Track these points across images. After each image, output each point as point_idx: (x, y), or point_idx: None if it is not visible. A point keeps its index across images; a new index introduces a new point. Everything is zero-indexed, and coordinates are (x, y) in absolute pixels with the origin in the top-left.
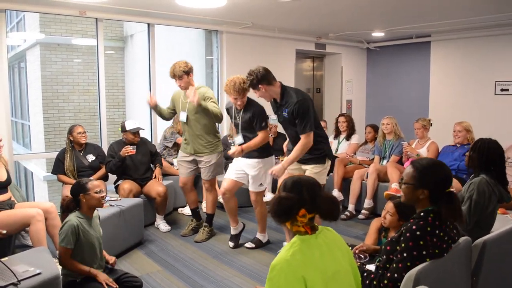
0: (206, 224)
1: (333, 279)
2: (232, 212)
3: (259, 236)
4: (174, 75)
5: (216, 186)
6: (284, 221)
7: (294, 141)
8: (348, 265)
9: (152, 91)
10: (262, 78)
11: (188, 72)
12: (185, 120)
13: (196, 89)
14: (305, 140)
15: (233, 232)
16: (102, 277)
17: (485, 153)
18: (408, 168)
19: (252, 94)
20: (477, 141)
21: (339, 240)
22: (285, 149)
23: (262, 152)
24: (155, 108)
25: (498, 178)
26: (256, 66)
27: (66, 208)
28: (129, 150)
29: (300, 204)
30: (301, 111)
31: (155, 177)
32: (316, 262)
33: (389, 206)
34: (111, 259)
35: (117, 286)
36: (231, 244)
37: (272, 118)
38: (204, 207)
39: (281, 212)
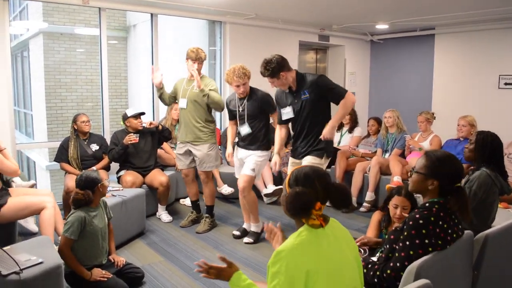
0: (207, 215)
1: (338, 270)
2: (253, 207)
3: (253, 228)
4: (199, 58)
5: (218, 177)
6: (302, 217)
7: (309, 127)
8: (352, 257)
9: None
10: (283, 65)
11: (204, 59)
12: (184, 107)
13: (205, 77)
14: (347, 99)
15: (253, 228)
16: (95, 274)
17: (487, 146)
18: (421, 157)
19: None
20: (478, 134)
21: (345, 231)
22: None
23: (265, 143)
24: (159, 87)
25: (498, 170)
26: (271, 55)
27: (78, 203)
28: (132, 138)
29: (316, 198)
30: (326, 82)
31: (159, 166)
32: (322, 253)
33: (402, 201)
34: (119, 260)
35: (111, 276)
36: (250, 240)
37: (284, 112)
38: (187, 203)
39: (299, 207)
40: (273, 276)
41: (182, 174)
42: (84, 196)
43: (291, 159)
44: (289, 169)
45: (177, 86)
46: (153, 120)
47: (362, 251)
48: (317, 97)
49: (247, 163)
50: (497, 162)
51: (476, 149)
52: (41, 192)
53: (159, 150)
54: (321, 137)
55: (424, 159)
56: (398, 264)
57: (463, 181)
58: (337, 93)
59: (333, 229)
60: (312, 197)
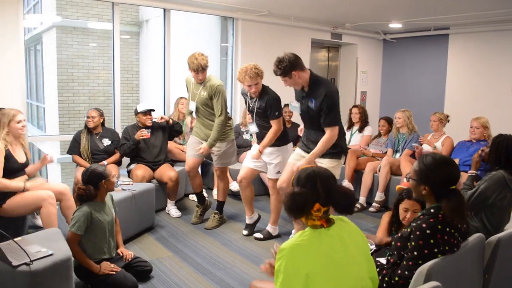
0: (216, 211)
1: (340, 271)
2: (248, 201)
3: (269, 228)
4: (200, 67)
5: (228, 174)
6: (299, 217)
7: (310, 134)
8: (361, 257)
9: (166, 77)
10: (296, 64)
11: (207, 66)
12: (194, 110)
13: (207, 81)
14: (330, 134)
15: (248, 221)
16: (104, 267)
17: (503, 150)
18: (415, 163)
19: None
20: (497, 136)
21: (355, 231)
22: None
23: (279, 140)
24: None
25: None
26: (283, 53)
27: (80, 198)
28: (144, 133)
29: (314, 199)
30: (329, 104)
31: (169, 161)
32: (322, 253)
33: (412, 204)
34: (128, 254)
35: (119, 270)
36: (245, 232)
37: (293, 105)
38: (215, 194)
39: (295, 208)
40: (276, 273)
41: (186, 167)
42: (85, 192)
43: (298, 149)
44: (292, 157)
45: (188, 83)
46: (164, 114)
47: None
48: (319, 111)
49: (269, 167)
50: None
51: (491, 152)
52: (56, 186)
53: (170, 145)
54: (294, 168)
55: (415, 165)
56: (406, 273)
57: (479, 182)
58: (330, 120)
59: (339, 229)
60: (309, 198)
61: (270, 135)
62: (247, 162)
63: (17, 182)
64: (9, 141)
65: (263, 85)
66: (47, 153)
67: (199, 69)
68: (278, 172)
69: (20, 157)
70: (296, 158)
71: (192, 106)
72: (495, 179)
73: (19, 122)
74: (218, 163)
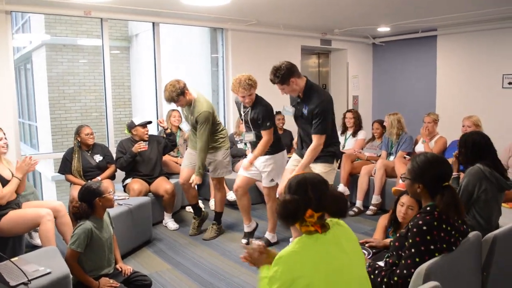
0: (214, 222)
1: (339, 276)
2: (245, 209)
3: (268, 236)
4: (171, 100)
5: (225, 185)
6: (292, 224)
7: (305, 139)
8: (358, 259)
9: (158, 90)
10: (293, 71)
11: (183, 91)
12: (188, 130)
13: (194, 106)
14: (317, 143)
15: (246, 229)
16: (103, 283)
17: (472, 146)
18: (409, 163)
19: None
20: (462, 137)
21: (349, 233)
22: (294, 145)
23: (272, 148)
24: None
25: (493, 166)
26: (280, 62)
27: (75, 216)
28: (142, 145)
29: (306, 205)
30: (321, 112)
31: (164, 174)
32: (320, 259)
33: (409, 200)
34: (126, 269)
35: (118, 285)
36: (244, 241)
37: (287, 109)
38: (212, 205)
39: (287, 215)
40: (271, 279)
41: (180, 179)
42: (78, 209)
43: (294, 155)
44: (289, 163)
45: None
46: (158, 128)
47: (366, 252)
48: (312, 119)
49: (263, 175)
50: (490, 157)
51: (460, 152)
52: (51, 203)
53: (165, 158)
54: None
55: (409, 164)
56: (405, 272)
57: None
58: (318, 128)
59: (336, 233)
60: (300, 205)
61: (260, 146)
62: (243, 171)
63: (11, 184)
64: None
65: (256, 95)
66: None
67: (169, 100)
68: (272, 180)
69: (5, 173)
70: (294, 164)
71: (186, 127)
72: (473, 173)
73: (0, 139)
74: (214, 174)
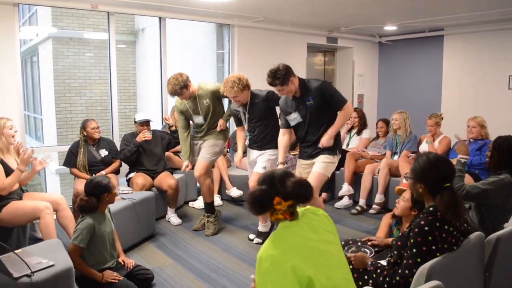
0: (208, 214)
1: (318, 254)
2: None
3: (261, 228)
4: (175, 94)
5: (228, 181)
6: (261, 212)
7: (310, 135)
8: (335, 244)
9: (163, 85)
10: (290, 71)
11: (186, 84)
12: (203, 122)
13: (199, 91)
14: (346, 110)
15: (261, 229)
16: (107, 275)
17: (504, 151)
18: (413, 161)
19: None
20: (497, 139)
21: (326, 224)
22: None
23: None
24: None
25: None
26: (275, 64)
27: (82, 209)
28: (146, 134)
29: (273, 193)
30: (329, 88)
31: (168, 169)
32: (296, 241)
33: (406, 193)
34: (129, 262)
35: (122, 278)
36: (256, 239)
37: (291, 118)
38: (196, 204)
39: (255, 203)
40: (263, 276)
41: (196, 172)
42: (87, 203)
43: (299, 161)
44: (297, 170)
45: (182, 110)
46: (162, 123)
47: (368, 251)
48: (321, 103)
49: (259, 162)
50: None
51: (493, 155)
52: (52, 196)
53: (168, 153)
54: (320, 145)
55: (412, 164)
56: (407, 271)
57: (484, 180)
58: (337, 101)
59: (308, 219)
60: (266, 194)
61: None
62: (255, 168)
63: (12, 176)
64: (1, 148)
65: (251, 91)
66: (38, 157)
67: (172, 94)
68: (264, 168)
69: (14, 165)
70: (302, 168)
71: (199, 120)
72: (501, 185)
73: (10, 128)
74: (203, 156)
